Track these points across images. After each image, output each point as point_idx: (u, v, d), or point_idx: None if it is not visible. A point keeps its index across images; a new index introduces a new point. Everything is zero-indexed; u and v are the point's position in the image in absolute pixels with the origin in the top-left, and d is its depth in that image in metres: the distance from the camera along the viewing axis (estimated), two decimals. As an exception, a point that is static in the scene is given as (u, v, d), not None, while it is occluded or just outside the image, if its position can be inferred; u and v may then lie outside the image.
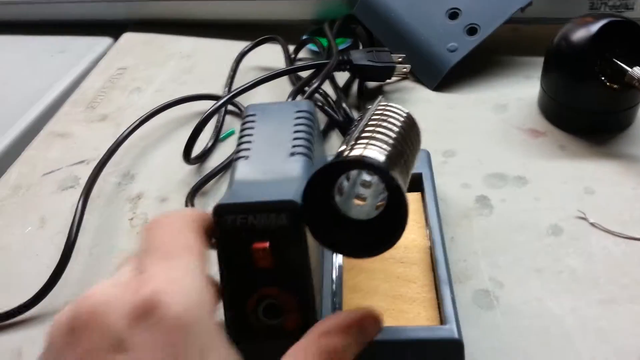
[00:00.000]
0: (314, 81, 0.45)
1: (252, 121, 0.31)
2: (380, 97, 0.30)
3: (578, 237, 0.35)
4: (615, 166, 0.39)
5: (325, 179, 0.24)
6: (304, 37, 0.55)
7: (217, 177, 0.43)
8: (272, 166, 0.27)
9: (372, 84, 0.51)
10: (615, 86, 0.39)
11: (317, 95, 0.46)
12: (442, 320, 0.28)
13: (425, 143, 0.42)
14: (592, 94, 0.41)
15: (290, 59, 0.53)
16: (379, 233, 0.24)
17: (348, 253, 0.24)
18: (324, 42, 0.52)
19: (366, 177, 0.27)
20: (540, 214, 0.36)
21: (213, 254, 0.24)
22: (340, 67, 0.47)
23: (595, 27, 0.40)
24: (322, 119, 0.45)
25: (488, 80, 0.49)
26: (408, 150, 0.25)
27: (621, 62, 0.39)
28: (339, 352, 0.21)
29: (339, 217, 0.25)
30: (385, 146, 0.23)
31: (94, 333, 0.18)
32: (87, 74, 0.58)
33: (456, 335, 0.27)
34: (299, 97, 0.46)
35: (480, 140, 0.43)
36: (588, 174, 0.39)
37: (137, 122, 0.46)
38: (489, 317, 0.31)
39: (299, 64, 0.51)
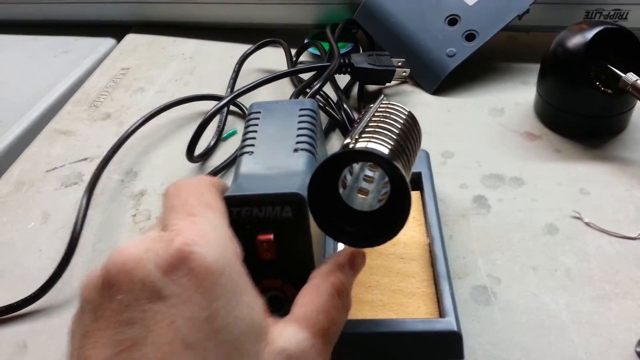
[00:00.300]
0: (315, 83, 0.46)
1: (257, 118, 0.31)
2: (382, 96, 0.30)
3: (573, 236, 0.35)
4: (610, 168, 0.40)
5: (331, 170, 0.25)
6: (307, 40, 0.56)
7: (220, 174, 0.44)
8: (276, 161, 0.28)
9: (372, 87, 0.52)
10: (609, 91, 0.41)
11: (318, 97, 0.47)
12: (442, 313, 0.28)
13: (425, 144, 0.43)
14: (587, 99, 0.42)
15: (292, 62, 0.54)
16: (381, 224, 0.25)
17: (351, 243, 0.25)
18: (326, 45, 0.53)
19: (368, 172, 0.28)
20: (536, 213, 0.37)
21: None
22: (341, 70, 0.48)
23: (590, 34, 0.41)
24: (323, 120, 0.46)
25: (486, 85, 0.50)
26: (409, 146, 0.26)
27: (615, 68, 0.40)
28: (342, 286, 0.23)
29: (343, 208, 0.25)
30: (388, 140, 0.24)
31: (130, 285, 0.19)
32: (90, 74, 0.59)
33: (455, 328, 0.27)
34: (301, 98, 0.46)
35: (477, 142, 0.44)
36: (583, 175, 0.40)
37: (141, 120, 0.47)
38: (487, 312, 0.32)
39: (300, 66, 0.52)
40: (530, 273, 0.34)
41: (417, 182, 0.36)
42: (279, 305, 0.25)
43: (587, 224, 0.36)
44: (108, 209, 0.42)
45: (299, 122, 0.30)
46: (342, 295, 0.23)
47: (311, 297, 0.22)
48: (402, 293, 0.30)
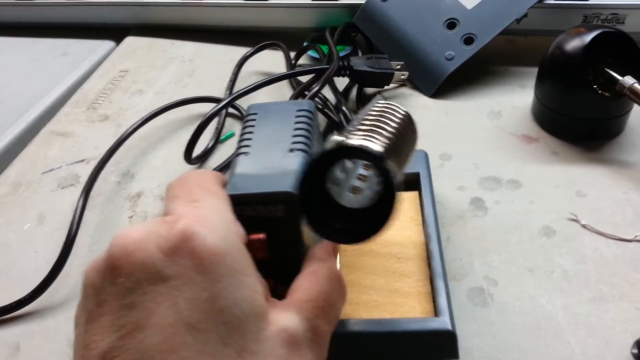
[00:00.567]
0: (314, 85, 0.46)
1: (254, 119, 0.31)
2: (378, 96, 0.30)
3: (570, 239, 0.35)
4: (607, 171, 0.40)
5: (323, 167, 0.24)
6: (306, 43, 0.57)
7: (217, 176, 0.44)
8: (271, 161, 0.27)
9: (370, 90, 0.52)
10: (606, 94, 0.41)
11: (317, 99, 0.47)
12: (436, 312, 0.28)
13: (423, 147, 0.43)
14: (584, 102, 0.42)
15: (291, 65, 0.54)
16: (369, 222, 0.24)
17: (339, 239, 0.25)
18: (325, 49, 0.54)
19: (363, 171, 0.28)
20: (533, 215, 0.37)
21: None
22: (340, 73, 0.48)
23: (588, 37, 0.41)
24: (322, 122, 0.46)
25: (484, 88, 0.51)
26: (404, 146, 0.26)
27: (612, 71, 0.40)
28: (336, 271, 0.24)
29: (333, 206, 0.25)
30: (382, 139, 0.24)
31: (132, 268, 0.19)
32: (89, 76, 0.59)
33: (449, 327, 0.27)
34: (299, 99, 0.46)
35: (475, 145, 0.44)
36: (580, 178, 0.40)
37: (140, 122, 0.47)
38: (483, 314, 0.32)
39: (299, 69, 0.52)
40: (527, 275, 0.34)
41: (414, 182, 0.36)
42: None
43: (584, 226, 0.36)
44: (104, 210, 0.42)
45: (296, 122, 0.30)
46: (340, 281, 0.23)
47: (310, 282, 0.22)
48: (397, 293, 0.30)
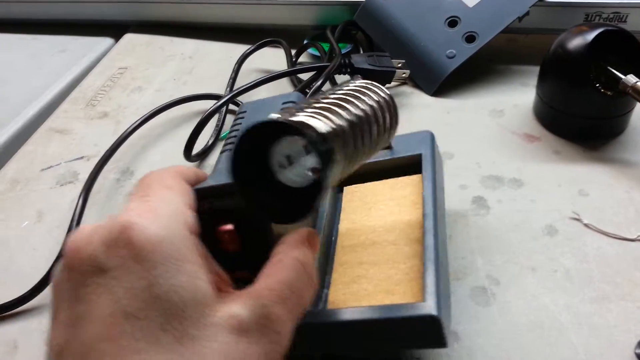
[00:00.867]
0: (315, 82, 0.45)
1: (242, 117, 0.31)
2: (358, 76, 0.29)
3: (572, 238, 0.35)
4: (609, 170, 0.40)
5: (260, 142, 0.23)
6: (306, 41, 0.56)
7: (217, 174, 0.43)
8: None
9: None
10: (609, 93, 0.40)
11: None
12: (423, 297, 0.26)
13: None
14: (586, 101, 0.41)
15: (292, 62, 0.54)
16: (303, 202, 0.23)
17: (273, 219, 0.24)
18: (326, 46, 0.53)
19: (301, 150, 0.25)
20: (536, 214, 0.37)
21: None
22: (340, 70, 0.48)
23: (590, 36, 0.41)
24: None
25: (485, 87, 0.50)
26: (367, 129, 0.25)
27: (615, 69, 0.40)
28: (305, 260, 0.23)
29: (274, 184, 0.24)
30: (334, 119, 0.22)
31: (79, 263, 0.20)
32: (88, 73, 0.58)
33: (432, 311, 0.25)
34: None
35: (477, 143, 0.44)
36: (582, 177, 0.40)
37: (141, 120, 0.46)
38: (486, 313, 0.31)
39: (300, 66, 0.52)
40: (529, 274, 0.33)
41: (416, 165, 0.34)
42: None
43: (586, 225, 0.36)
44: (104, 208, 0.42)
45: None
46: (306, 269, 0.23)
47: (275, 269, 0.22)
48: (389, 280, 0.28)
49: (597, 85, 0.41)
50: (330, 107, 0.23)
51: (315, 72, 0.48)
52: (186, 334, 0.19)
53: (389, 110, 0.26)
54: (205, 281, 0.20)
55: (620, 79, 0.40)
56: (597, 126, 0.43)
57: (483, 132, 0.45)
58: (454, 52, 0.50)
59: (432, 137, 0.35)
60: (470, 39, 0.50)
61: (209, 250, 0.23)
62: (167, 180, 0.24)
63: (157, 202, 0.22)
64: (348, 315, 0.26)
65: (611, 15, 0.51)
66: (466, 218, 0.37)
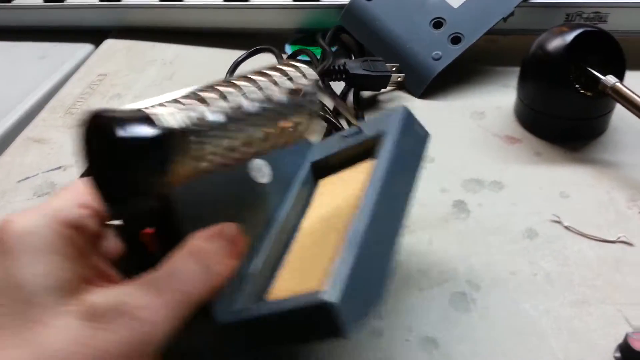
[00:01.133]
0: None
1: None
2: (287, 59, 0.29)
3: (553, 241, 0.35)
4: (590, 171, 0.40)
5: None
6: (288, 45, 0.56)
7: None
8: None
9: (367, 94, 0.50)
10: (589, 94, 0.40)
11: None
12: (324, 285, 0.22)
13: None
14: (566, 102, 0.41)
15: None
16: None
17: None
18: (315, 50, 0.53)
19: None
20: (516, 217, 0.37)
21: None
22: (336, 77, 0.47)
23: (570, 37, 0.40)
24: (322, 127, 0.45)
25: (467, 89, 0.50)
26: (258, 125, 0.24)
27: (595, 70, 0.40)
28: (201, 251, 0.23)
29: None
30: (189, 112, 0.22)
31: None
32: (67, 80, 0.58)
33: (326, 298, 0.21)
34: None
35: (458, 146, 0.43)
36: (563, 179, 0.39)
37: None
38: (466, 320, 0.31)
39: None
40: (509, 278, 0.33)
41: (371, 149, 0.29)
42: None
43: (566, 227, 0.36)
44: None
45: None
46: (199, 261, 0.23)
47: (165, 261, 0.23)
48: (312, 271, 0.25)
49: (577, 86, 0.40)
50: (202, 98, 0.23)
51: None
52: (36, 320, 0.20)
53: (306, 97, 0.26)
54: (68, 271, 0.21)
55: (600, 79, 0.40)
56: (577, 127, 0.43)
57: (464, 135, 0.45)
58: (439, 53, 0.49)
59: (403, 114, 0.30)
60: (455, 40, 0.49)
61: (138, 255, 0.25)
62: (76, 182, 0.25)
63: (50, 201, 0.23)
64: (255, 310, 0.24)
65: (592, 15, 0.51)
66: (447, 222, 0.37)
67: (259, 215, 0.29)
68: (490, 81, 0.51)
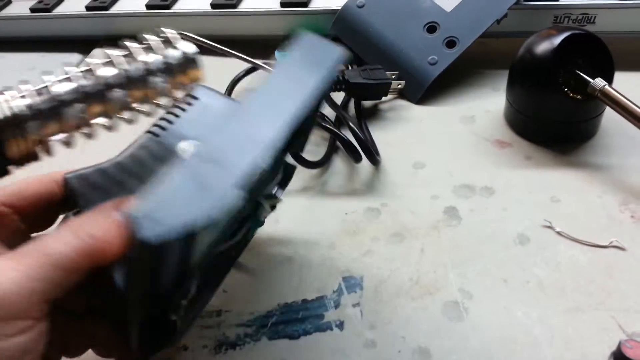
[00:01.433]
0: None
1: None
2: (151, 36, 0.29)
3: (545, 246, 0.35)
4: (581, 175, 0.40)
5: None
6: (277, 52, 0.55)
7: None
8: None
9: (368, 104, 0.49)
10: (578, 97, 0.40)
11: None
12: None
13: (394, 154, 0.42)
14: (555, 105, 0.41)
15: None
16: None
17: None
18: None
19: None
20: (508, 223, 0.37)
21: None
22: (336, 88, 0.47)
23: (558, 40, 0.40)
24: (324, 136, 0.45)
25: (456, 93, 0.50)
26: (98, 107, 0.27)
27: (583, 73, 0.40)
28: (79, 221, 0.23)
29: None
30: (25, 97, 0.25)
31: None
32: (56, 91, 0.57)
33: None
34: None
35: (448, 152, 0.43)
36: (554, 183, 0.39)
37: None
38: (458, 329, 0.31)
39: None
40: (502, 286, 0.33)
41: None
42: None
43: (558, 233, 0.36)
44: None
45: None
46: (68, 227, 0.23)
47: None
48: None
49: (566, 89, 0.40)
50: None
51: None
52: None
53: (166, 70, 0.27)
54: None
55: (589, 82, 0.40)
56: (567, 130, 0.43)
57: (455, 140, 0.44)
58: (435, 58, 0.49)
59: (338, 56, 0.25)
60: (450, 44, 0.49)
61: None
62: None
63: None
64: None
65: (580, 17, 0.51)
66: (438, 229, 0.37)
67: None
68: (479, 85, 0.51)
